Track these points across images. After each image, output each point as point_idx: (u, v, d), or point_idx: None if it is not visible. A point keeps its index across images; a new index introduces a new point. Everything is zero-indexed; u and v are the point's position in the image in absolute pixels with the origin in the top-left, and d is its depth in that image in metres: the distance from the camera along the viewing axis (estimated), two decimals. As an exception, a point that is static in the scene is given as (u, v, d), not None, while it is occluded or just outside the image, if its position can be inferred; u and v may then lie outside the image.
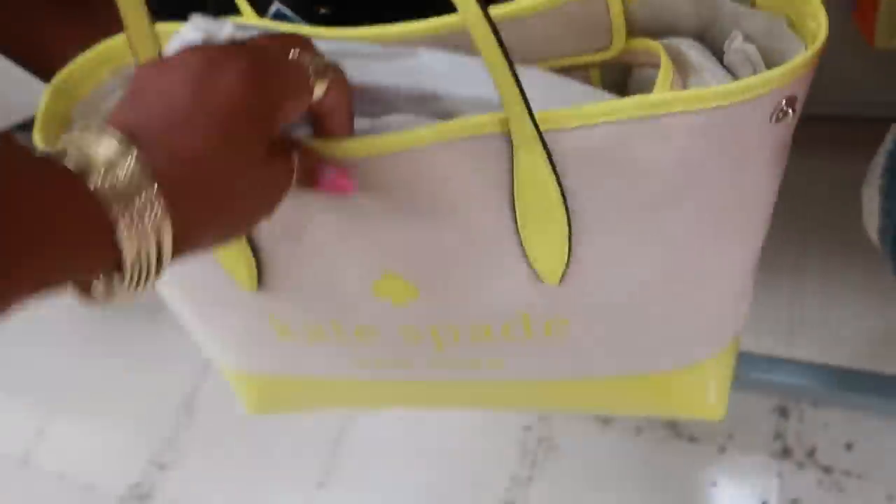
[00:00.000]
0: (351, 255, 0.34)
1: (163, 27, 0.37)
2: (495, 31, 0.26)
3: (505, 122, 0.28)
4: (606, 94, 0.32)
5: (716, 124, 0.27)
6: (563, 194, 0.29)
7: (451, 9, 0.26)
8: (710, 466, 0.71)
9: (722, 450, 0.72)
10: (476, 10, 0.25)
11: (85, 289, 0.23)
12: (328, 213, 0.32)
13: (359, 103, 0.31)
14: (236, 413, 0.86)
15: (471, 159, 0.29)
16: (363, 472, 0.80)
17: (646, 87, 0.34)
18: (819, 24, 0.27)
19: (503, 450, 0.77)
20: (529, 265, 0.32)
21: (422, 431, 0.81)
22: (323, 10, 0.41)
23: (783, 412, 0.72)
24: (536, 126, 0.27)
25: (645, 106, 0.27)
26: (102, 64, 0.35)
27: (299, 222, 0.33)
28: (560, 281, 0.32)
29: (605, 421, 0.76)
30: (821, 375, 0.66)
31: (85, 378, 0.96)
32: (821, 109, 0.67)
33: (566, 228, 0.30)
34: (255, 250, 0.35)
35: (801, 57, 0.26)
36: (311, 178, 0.29)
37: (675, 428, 0.74)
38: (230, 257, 0.35)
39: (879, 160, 0.46)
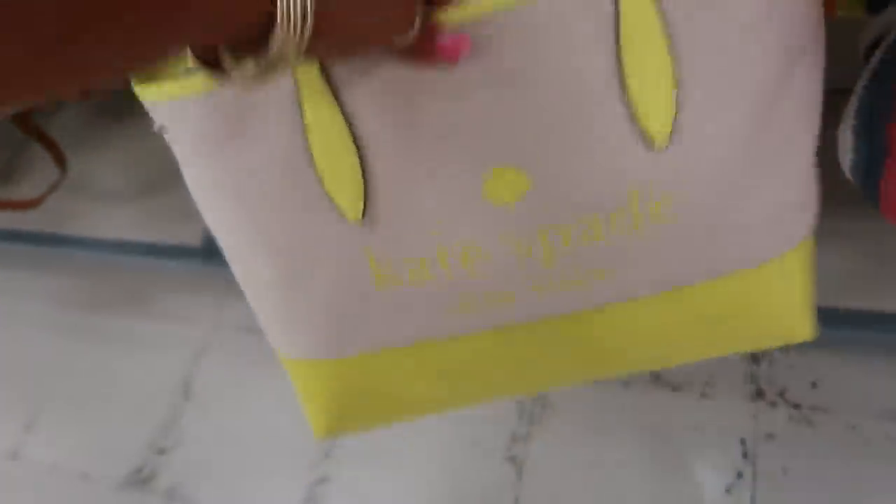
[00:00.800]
0: (461, 151, 0.33)
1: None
2: None
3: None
4: None
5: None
6: (668, 36, 0.30)
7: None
8: (693, 412, 0.78)
9: (703, 395, 0.78)
10: None
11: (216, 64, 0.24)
12: (436, 102, 0.32)
13: None
14: (234, 395, 0.87)
15: (575, 7, 0.30)
16: (365, 442, 0.82)
17: None
18: None
19: (501, 411, 0.81)
20: (639, 124, 0.32)
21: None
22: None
23: (754, 358, 0.79)
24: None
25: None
26: None
27: (409, 115, 0.33)
28: (668, 142, 0.33)
29: (595, 378, 0.82)
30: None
31: (73, 369, 0.95)
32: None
33: (671, 73, 0.31)
34: (362, 170, 0.34)
35: None
36: (428, 42, 0.29)
37: (658, 379, 0.80)
38: (336, 179, 0.34)
39: (852, 103, 0.53)
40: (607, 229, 0.35)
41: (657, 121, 0.32)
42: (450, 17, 0.30)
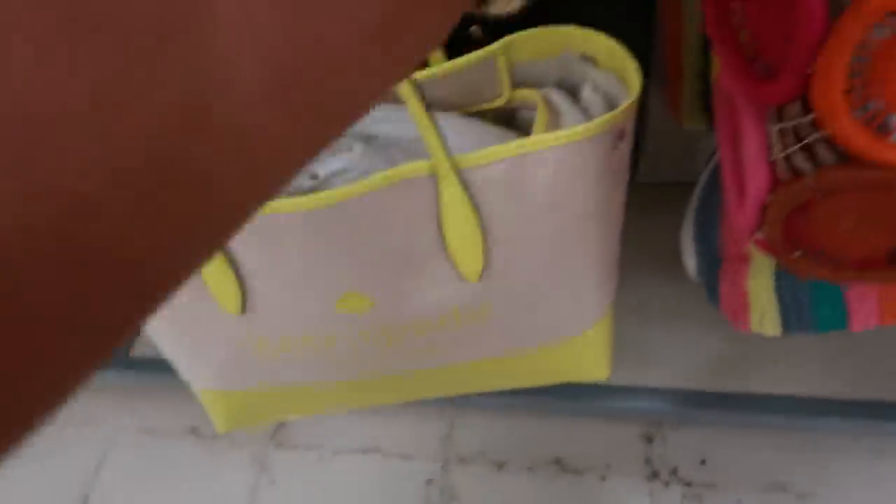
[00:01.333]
0: (318, 280, 0.42)
1: None
2: (420, 95, 0.36)
3: (432, 167, 0.38)
4: (507, 132, 0.44)
5: (575, 153, 0.38)
6: (476, 214, 0.39)
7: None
8: (594, 494, 0.81)
9: (602, 478, 0.81)
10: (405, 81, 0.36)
11: None
12: (298, 248, 0.40)
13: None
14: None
15: (409, 195, 0.39)
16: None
17: (528, 123, 0.45)
18: (635, 81, 0.39)
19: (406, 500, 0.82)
20: (456, 270, 0.42)
21: (326, 492, 0.84)
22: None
23: (648, 438, 0.83)
24: (454, 167, 0.37)
25: (526, 146, 0.38)
26: None
27: (276, 254, 0.41)
28: (479, 279, 0.42)
29: (499, 465, 0.84)
30: (674, 399, 0.79)
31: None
32: (652, 178, 0.83)
33: (481, 240, 0.40)
34: (239, 281, 0.42)
35: (625, 104, 0.38)
36: None
37: (560, 464, 0.83)
38: (218, 286, 0.42)
39: (690, 212, 0.60)
40: (437, 326, 0.45)
41: (470, 267, 0.42)
42: (303, 203, 0.39)
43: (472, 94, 0.44)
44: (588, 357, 0.51)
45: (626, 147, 0.40)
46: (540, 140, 0.38)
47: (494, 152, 0.38)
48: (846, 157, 0.34)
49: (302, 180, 0.40)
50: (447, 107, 0.44)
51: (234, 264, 0.41)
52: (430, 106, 0.40)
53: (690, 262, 0.59)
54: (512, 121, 0.46)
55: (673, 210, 0.64)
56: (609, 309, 0.50)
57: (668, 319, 0.86)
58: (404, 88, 0.37)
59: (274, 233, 0.40)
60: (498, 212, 0.40)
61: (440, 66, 0.42)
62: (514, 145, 0.38)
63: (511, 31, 0.42)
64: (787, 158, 0.37)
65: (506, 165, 0.38)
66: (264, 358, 0.47)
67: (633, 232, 0.63)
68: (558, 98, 0.43)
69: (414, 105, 0.37)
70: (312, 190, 0.40)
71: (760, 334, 0.58)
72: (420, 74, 0.42)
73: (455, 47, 0.42)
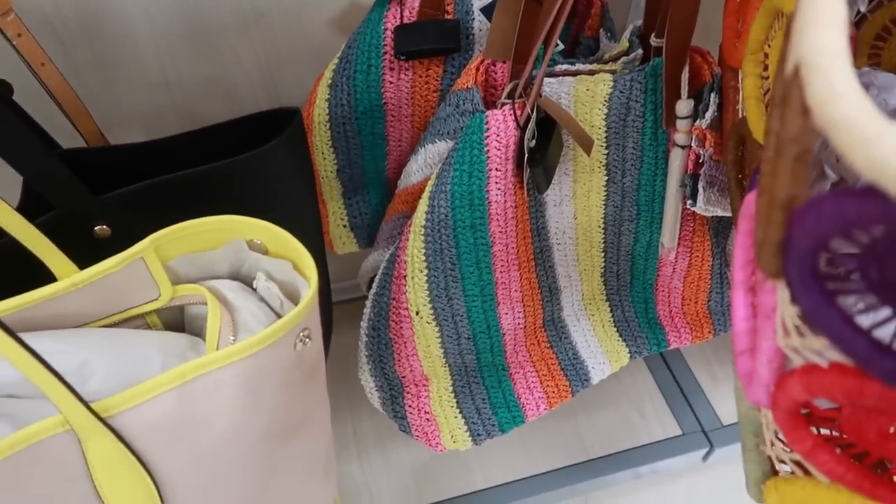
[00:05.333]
0: None
1: None
2: (14, 337, 0.27)
3: (62, 423, 0.29)
4: (176, 337, 0.36)
5: (255, 364, 0.33)
6: (142, 463, 0.31)
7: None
8: None
9: None
10: None
11: None
12: None
13: None
14: None
15: (45, 461, 0.29)
16: None
17: (200, 320, 0.39)
18: (312, 273, 0.35)
19: None
20: None
21: None
22: None
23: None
24: (98, 417, 0.29)
25: (192, 370, 0.31)
26: None
27: None
28: None
29: None
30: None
31: None
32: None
33: (154, 495, 0.32)
34: None
35: (303, 302, 0.34)
36: None
37: None
38: None
39: (362, 352, 0.56)
40: None
41: None
42: None
43: (119, 301, 0.36)
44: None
45: (314, 343, 0.36)
46: (210, 360, 0.31)
47: (152, 386, 0.30)
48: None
49: None
50: (86, 319, 0.35)
51: None
52: (66, 320, 0.32)
53: (374, 396, 0.57)
54: (181, 318, 0.39)
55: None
56: (337, 498, 0.46)
57: (382, 445, 0.83)
58: None
59: None
60: (169, 455, 0.32)
61: (72, 277, 0.33)
62: (177, 372, 0.31)
63: (149, 225, 0.35)
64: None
65: (170, 398, 0.31)
66: None
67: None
68: (230, 291, 0.37)
69: (5, 343, 0.28)
70: None
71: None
72: (44, 292, 0.33)
73: (79, 250, 0.34)
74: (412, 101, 0.62)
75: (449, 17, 0.59)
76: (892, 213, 0.17)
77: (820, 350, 0.25)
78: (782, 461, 0.33)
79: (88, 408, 0.29)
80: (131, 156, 0.42)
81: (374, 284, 0.54)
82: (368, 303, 0.54)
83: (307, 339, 0.36)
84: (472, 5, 0.59)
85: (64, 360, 0.33)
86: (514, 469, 0.78)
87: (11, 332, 0.26)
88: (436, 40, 0.58)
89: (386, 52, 0.59)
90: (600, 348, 0.62)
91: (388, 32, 0.58)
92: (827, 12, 0.16)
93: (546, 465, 0.79)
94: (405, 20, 0.58)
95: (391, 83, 0.60)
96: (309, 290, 0.35)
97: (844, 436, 0.30)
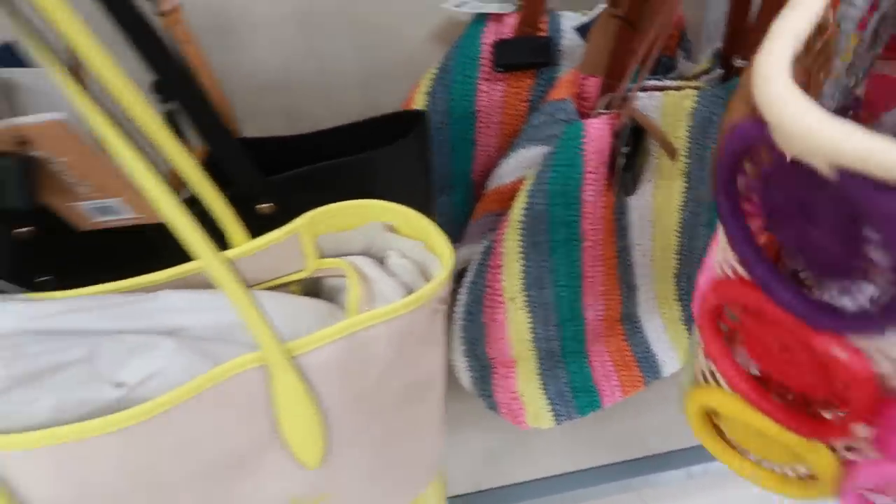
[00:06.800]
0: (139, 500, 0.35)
1: None
2: (240, 278, 0.33)
3: (261, 358, 0.35)
4: (318, 302, 0.42)
5: (403, 323, 0.39)
6: (313, 399, 0.37)
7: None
8: None
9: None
10: (214, 259, 0.33)
11: None
12: (113, 471, 0.34)
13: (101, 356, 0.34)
14: None
15: (238, 391, 0.35)
16: None
17: (336, 291, 0.45)
18: (445, 251, 0.41)
19: None
20: (295, 459, 0.39)
21: None
22: (42, 279, 0.42)
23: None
24: (287, 355, 0.35)
25: (356, 324, 0.37)
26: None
27: (84, 483, 0.34)
28: (320, 464, 0.40)
29: None
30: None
31: None
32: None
33: (321, 424, 0.38)
34: None
35: (443, 274, 0.40)
36: None
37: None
38: None
39: (456, 333, 0.62)
40: None
41: (310, 454, 0.40)
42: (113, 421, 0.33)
43: (273, 269, 0.42)
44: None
45: (444, 312, 0.41)
46: (370, 316, 0.37)
47: (326, 334, 0.36)
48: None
49: (103, 390, 0.34)
50: (250, 283, 0.41)
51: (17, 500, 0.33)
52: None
53: (464, 377, 0.63)
54: (316, 289, 0.45)
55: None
56: (440, 473, 0.51)
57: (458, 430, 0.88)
58: (217, 271, 0.34)
59: (79, 460, 0.33)
60: (334, 392, 0.38)
61: (245, 246, 0.39)
62: (346, 324, 0.37)
63: (302, 205, 0.41)
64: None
65: (338, 345, 0.37)
66: None
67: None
68: (366, 265, 0.43)
69: (233, 290, 0.34)
70: (120, 401, 0.34)
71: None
72: (226, 255, 0.39)
73: (246, 224, 0.41)
74: (503, 109, 0.68)
75: (542, 34, 0.65)
76: (769, 140, 0.23)
77: (732, 262, 0.31)
78: (703, 373, 0.38)
79: (282, 347, 0.35)
80: (280, 146, 0.48)
81: (470, 273, 0.59)
82: (463, 290, 0.59)
83: (441, 307, 0.41)
84: (563, 24, 0.65)
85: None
86: (574, 460, 0.83)
87: (241, 281, 0.33)
88: (531, 55, 0.64)
89: (482, 64, 0.65)
90: (671, 344, 0.66)
91: (486, 46, 0.64)
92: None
93: (603, 458, 0.84)
94: (501, 36, 0.64)
95: (485, 93, 0.66)
96: (443, 265, 0.41)
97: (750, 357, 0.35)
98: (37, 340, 0.34)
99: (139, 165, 0.31)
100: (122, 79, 0.31)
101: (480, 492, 0.81)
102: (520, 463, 0.83)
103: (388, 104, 0.81)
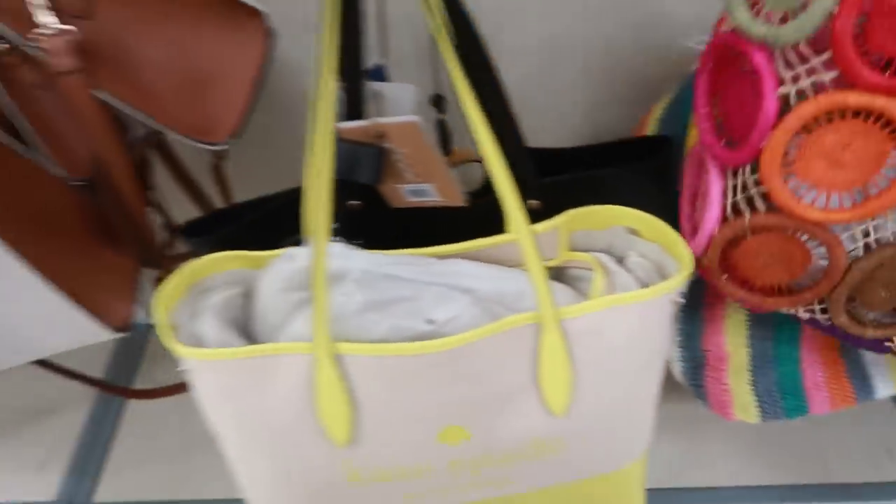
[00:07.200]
0: (425, 415, 0.48)
1: (259, 254, 0.49)
2: (537, 252, 0.44)
3: (537, 317, 0.45)
4: (564, 287, 0.52)
5: (649, 307, 0.47)
6: (570, 358, 0.47)
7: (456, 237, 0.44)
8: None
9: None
10: (527, 233, 0.43)
11: None
12: (413, 386, 0.46)
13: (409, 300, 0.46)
14: None
15: (513, 341, 0.46)
16: None
17: (576, 280, 0.54)
18: (685, 254, 0.49)
19: None
20: (546, 405, 0.49)
21: None
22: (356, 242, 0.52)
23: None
24: (557, 318, 0.45)
25: (616, 301, 0.46)
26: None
27: (392, 389, 0.46)
28: (566, 412, 0.49)
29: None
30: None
31: None
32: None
33: (571, 379, 0.48)
34: (352, 411, 0.46)
35: (684, 272, 0.48)
36: None
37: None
38: (331, 415, 0.46)
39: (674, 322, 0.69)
40: (517, 457, 0.52)
41: (559, 403, 0.49)
42: (425, 347, 0.45)
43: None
44: (636, 485, 0.59)
45: (678, 303, 0.49)
46: (629, 296, 0.46)
47: (590, 305, 0.46)
48: (773, 208, 0.51)
49: (418, 324, 0.46)
50: (512, 264, 0.52)
51: (350, 395, 0.46)
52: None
53: (677, 366, 0.69)
54: (558, 276, 0.55)
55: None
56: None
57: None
58: (526, 244, 0.44)
59: (393, 371, 0.45)
60: (586, 354, 0.47)
61: (516, 232, 0.50)
62: (608, 300, 0.46)
63: (560, 205, 0.51)
64: (734, 204, 0.54)
65: (598, 316, 0.46)
66: (352, 490, 0.51)
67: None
68: (608, 261, 0.52)
69: (533, 260, 0.45)
70: (431, 333, 0.46)
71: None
72: (499, 239, 0.50)
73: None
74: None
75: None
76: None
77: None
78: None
79: (555, 310, 0.45)
80: (547, 155, 0.59)
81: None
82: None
83: (677, 299, 0.49)
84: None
85: (513, 283, 0.49)
86: (755, 475, 0.86)
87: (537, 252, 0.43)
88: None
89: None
90: (887, 368, 0.69)
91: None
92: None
93: (785, 477, 0.86)
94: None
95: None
96: (683, 265, 0.49)
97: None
98: (379, 279, 0.47)
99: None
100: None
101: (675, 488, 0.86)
102: (701, 470, 0.87)
103: (612, 131, 0.90)
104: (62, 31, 0.43)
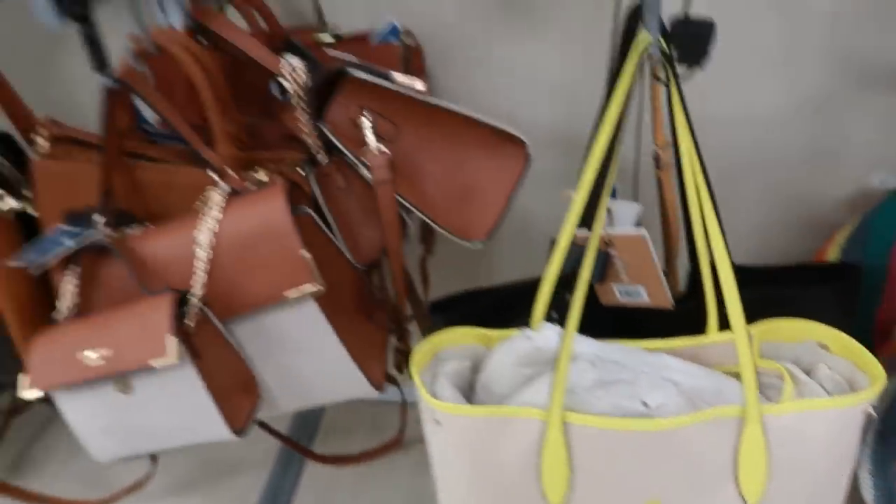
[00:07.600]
0: (631, 486, 0.55)
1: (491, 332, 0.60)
2: (751, 351, 0.51)
3: (742, 411, 0.52)
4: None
5: (845, 414, 0.53)
6: (768, 451, 0.53)
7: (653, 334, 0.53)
8: None
9: None
10: (744, 333, 0.51)
11: None
12: (626, 457, 0.53)
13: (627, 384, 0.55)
14: None
15: (719, 429, 0.53)
16: None
17: (765, 388, 0.60)
18: (878, 371, 0.54)
19: None
20: (741, 493, 0.55)
21: None
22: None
23: None
24: (760, 414, 0.52)
25: (815, 405, 0.53)
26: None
27: (608, 459, 0.53)
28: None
29: None
30: None
31: None
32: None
33: (766, 473, 0.54)
34: (570, 476, 0.54)
35: (876, 387, 0.53)
36: None
37: None
38: (552, 477, 0.54)
39: (865, 448, 0.71)
40: None
41: (753, 492, 0.55)
42: (643, 425, 0.53)
43: (727, 357, 0.59)
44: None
45: (869, 414, 0.55)
46: (828, 402, 0.53)
47: (791, 406, 0.53)
48: None
49: (635, 405, 0.54)
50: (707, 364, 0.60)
51: (571, 460, 0.54)
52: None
53: (868, 493, 0.71)
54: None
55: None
56: None
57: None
58: (741, 343, 0.53)
59: (612, 443, 0.53)
60: (782, 451, 0.53)
61: (711, 337, 0.58)
62: (808, 402, 0.53)
63: (749, 316, 0.57)
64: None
65: (797, 417, 0.52)
66: None
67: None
68: (797, 371, 0.58)
69: (746, 357, 0.53)
70: (643, 414, 0.54)
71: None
72: (693, 341, 0.58)
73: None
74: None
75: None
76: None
77: None
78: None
79: (760, 407, 0.52)
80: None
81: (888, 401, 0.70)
82: (880, 414, 0.70)
83: (869, 413, 0.54)
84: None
85: (711, 381, 0.57)
86: None
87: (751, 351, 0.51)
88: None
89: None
90: None
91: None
92: None
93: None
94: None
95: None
96: (874, 380, 0.54)
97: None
98: (605, 362, 0.56)
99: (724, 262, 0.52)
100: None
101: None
102: None
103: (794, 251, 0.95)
104: (382, 152, 0.58)
